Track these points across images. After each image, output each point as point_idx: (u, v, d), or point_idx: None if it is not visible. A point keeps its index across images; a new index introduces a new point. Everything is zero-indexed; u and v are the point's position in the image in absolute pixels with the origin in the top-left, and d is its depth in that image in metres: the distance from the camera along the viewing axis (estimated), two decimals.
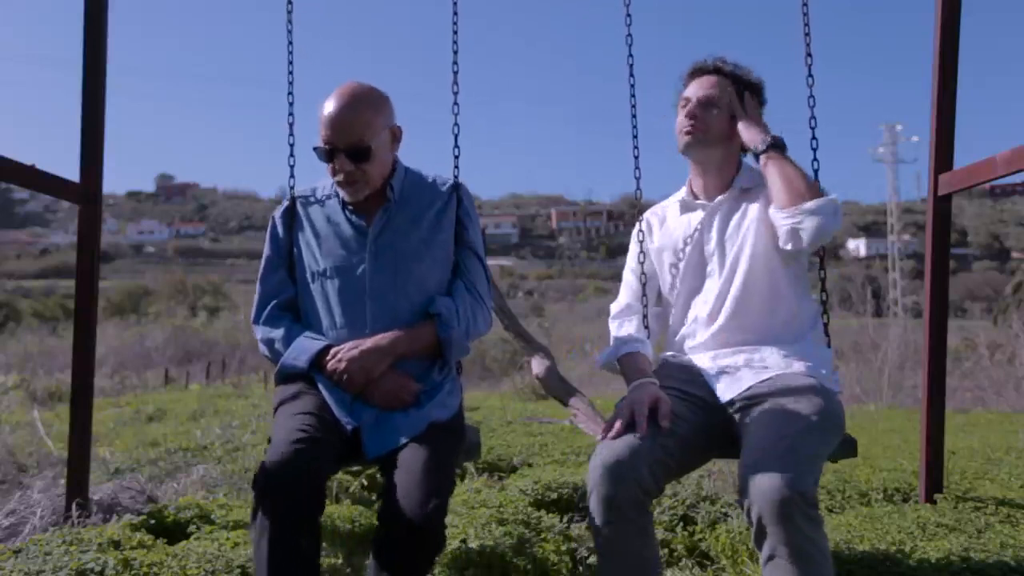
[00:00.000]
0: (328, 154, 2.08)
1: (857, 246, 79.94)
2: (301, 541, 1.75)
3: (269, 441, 1.88)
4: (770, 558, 1.63)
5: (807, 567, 1.60)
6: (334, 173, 2.11)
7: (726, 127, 2.21)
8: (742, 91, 2.23)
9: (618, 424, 1.89)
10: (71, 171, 3.23)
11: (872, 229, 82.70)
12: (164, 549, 2.66)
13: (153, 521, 2.98)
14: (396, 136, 2.17)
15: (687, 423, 1.97)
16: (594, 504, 1.83)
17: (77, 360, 3.28)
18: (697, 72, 2.27)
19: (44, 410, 8.72)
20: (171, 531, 2.94)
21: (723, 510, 3.01)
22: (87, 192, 3.26)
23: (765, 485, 1.62)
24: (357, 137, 2.05)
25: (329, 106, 2.06)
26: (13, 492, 3.81)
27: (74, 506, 3.16)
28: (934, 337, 3.23)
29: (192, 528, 2.92)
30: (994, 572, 2.39)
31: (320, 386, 2.05)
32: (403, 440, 1.93)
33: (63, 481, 3.40)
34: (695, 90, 2.23)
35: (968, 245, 79.66)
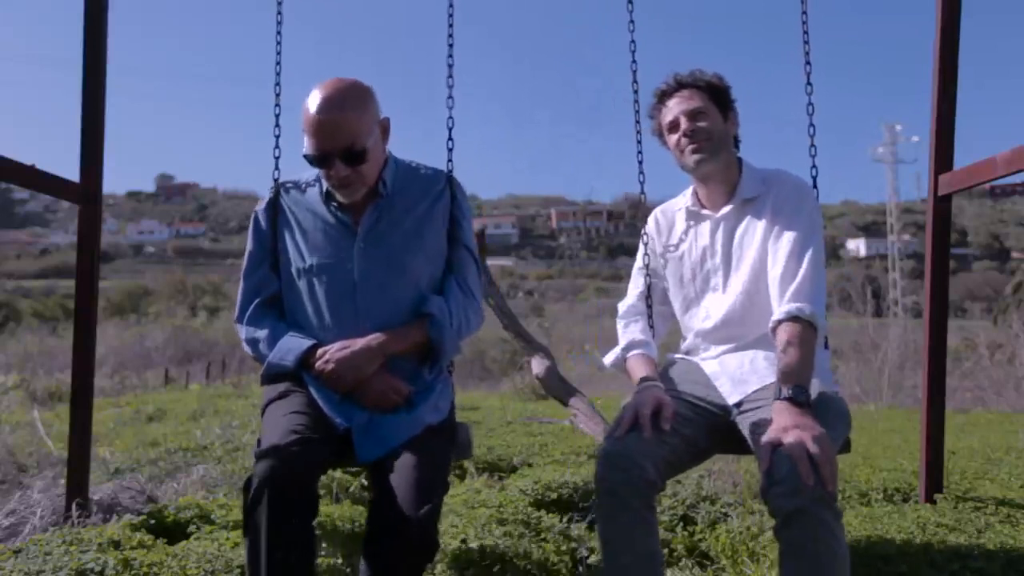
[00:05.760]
0: (321, 161, 1.98)
1: (857, 246, 79.95)
2: (294, 547, 1.71)
3: (259, 443, 1.81)
4: (791, 545, 1.65)
5: (829, 554, 1.63)
6: (327, 178, 2.03)
7: (723, 128, 2.21)
8: (713, 96, 2.21)
9: (624, 425, 1.93)
10: (71, 171, 3.23)
11: (872, 229, 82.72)
12: (164, 549, 2.66)
13: (153, 521, 2.98)
14: (385, 128, 2.08)
15: (690, 424, 2.02)
16: (600, 495, 1.86)
17: (77, 360, 3.27)
18: (665, 95, 2.25)
19: (44, 410, 8.72)
20: (171, 531, 2.94)
21: (723, 510, 3.00)
22: (87, 192, 3.26)
23: (795, 478, 1.65)
24: (349, 140, 1.95)
25: (314, 110, 1.93)
26: (13, 492, 3.81)
27: (74, 506, 3.16)
28: (934, 337, 3.23)
29: (192, 528, 2.92)
30: (994, 572, 2.39)
31: (309, 386, 1.99)
32: (396, 445, 1.89)
33: (63, 481, 3.40)
34: (677, 108, 2.20)
35: (968, 245, 79.65)
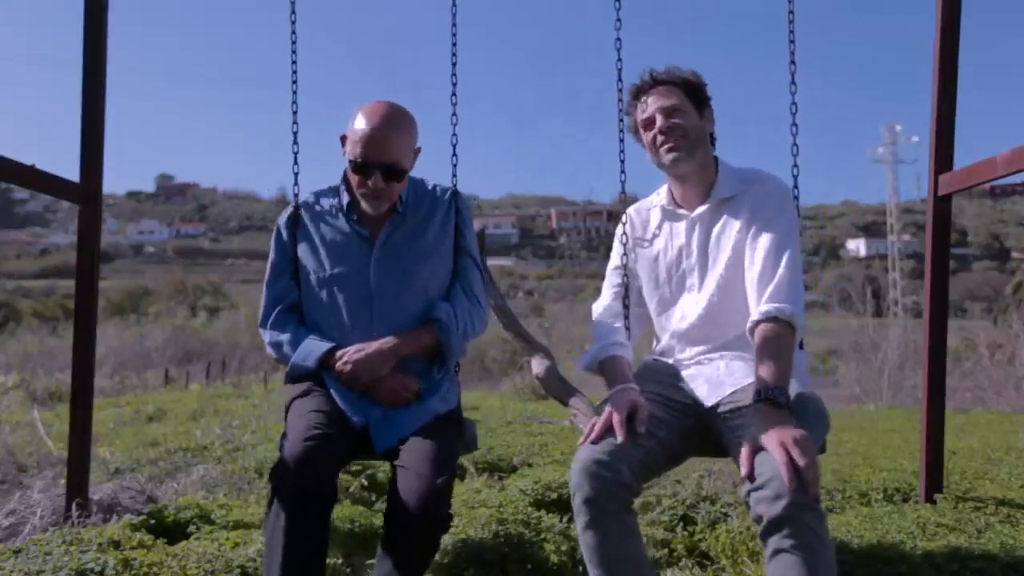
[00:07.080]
0: (362, 169, 2.15)
1: (857, 246, 79.98)
2: (312, 530, 1.87)
3: (283, 436, 2.00)
4: (777, 552, 1.64)
5: (813, 560, 1.61)
6: (361, 186, 2.18)
7: (699, 125, 2.17)
8: (690, 93, 2.18)
9: (597, 429, 1.91)
10: (71, 171, 3.24)
11: (872, 229, 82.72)
12: (164, 549, 2.66)
13: (153, 521, 2.98)
14: (416, 155, 2.27)
15: (666, 426, 2.00)
16: (577, 505, 1.83)
17: (77, 360, 3.28)
18: (640, 91, 2.21)
19: (44, 410, 8.72)
20: (171, 531, 2.94)
21: (723, 510, 3.00)
22: (87, 192, 3.26)
23: (776, 483, 1.63)
24: (394, 159, 2.15)
25: (369, 125, 2.12)
26: (13, 492, 3.81)
27: (74, 506, 3.16)
28: (934, 337, 3.23)
29: (192, 528, 2.92)
30: (994, 572, 2.39)
31: (329, 385, 2.16)
32: (409, 432, 2.07)
33: (63, 481, 3.40)
34: (654, 106, 2.16)
35: (968, 245, 79.64)
